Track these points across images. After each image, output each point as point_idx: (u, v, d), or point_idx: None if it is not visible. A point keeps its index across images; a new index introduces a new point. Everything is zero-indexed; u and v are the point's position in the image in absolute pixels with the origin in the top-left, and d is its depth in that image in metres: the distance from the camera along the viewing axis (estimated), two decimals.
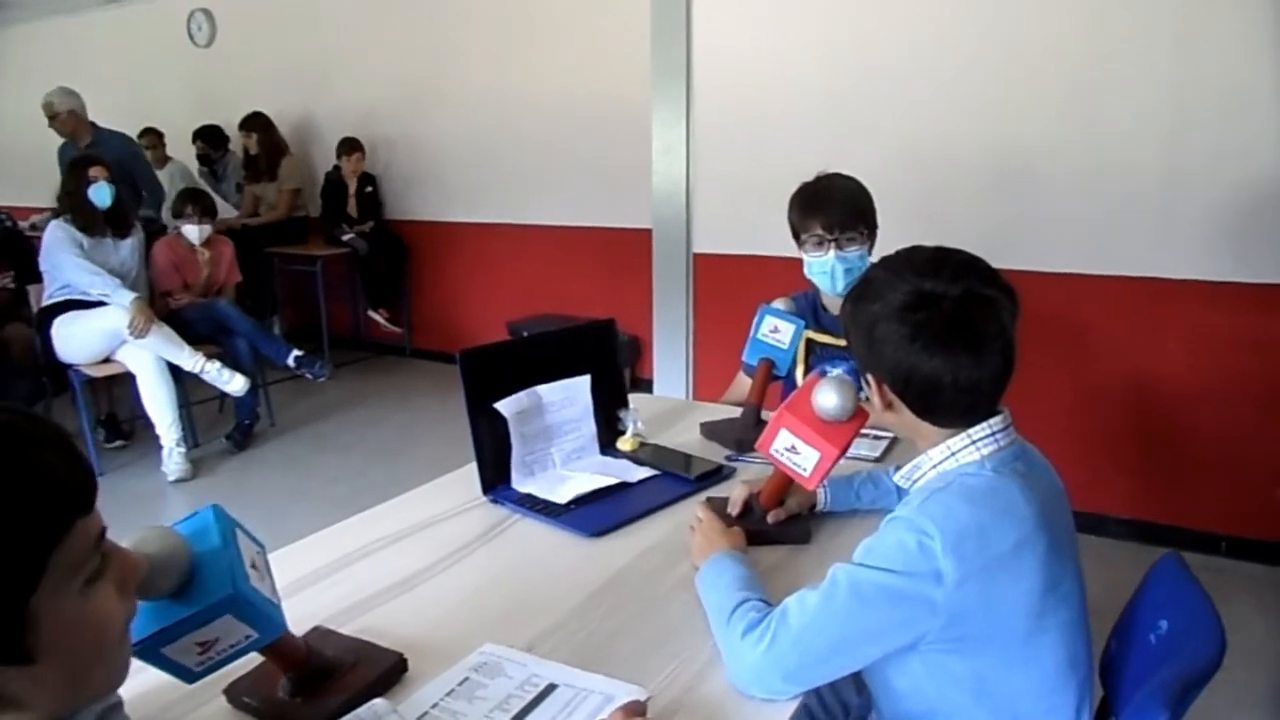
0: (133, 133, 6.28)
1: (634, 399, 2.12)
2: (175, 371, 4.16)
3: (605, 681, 1.07)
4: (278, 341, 4.64)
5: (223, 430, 4.60)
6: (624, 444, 1.84)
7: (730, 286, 3.85)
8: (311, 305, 5.94)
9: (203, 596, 0.84)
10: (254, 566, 0.91)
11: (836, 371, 1.38)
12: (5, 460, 0.62)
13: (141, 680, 1.00)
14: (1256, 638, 2.71)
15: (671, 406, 2.26)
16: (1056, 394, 3.44)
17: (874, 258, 2.09)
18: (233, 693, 1.05)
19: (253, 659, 1.02)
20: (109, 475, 4.21)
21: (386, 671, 1.08)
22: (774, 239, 2.37)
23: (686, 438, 1.97)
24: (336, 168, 5.74)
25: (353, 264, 5.86)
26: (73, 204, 4.07)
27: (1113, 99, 3.13)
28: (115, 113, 6.54)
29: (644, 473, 1.74)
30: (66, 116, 5.12)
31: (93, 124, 5.22)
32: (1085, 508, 3.42)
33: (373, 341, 6.16)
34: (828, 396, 1.28)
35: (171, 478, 4.11)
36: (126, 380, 4.24)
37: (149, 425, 4.18)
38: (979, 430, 1.13)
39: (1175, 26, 2.99)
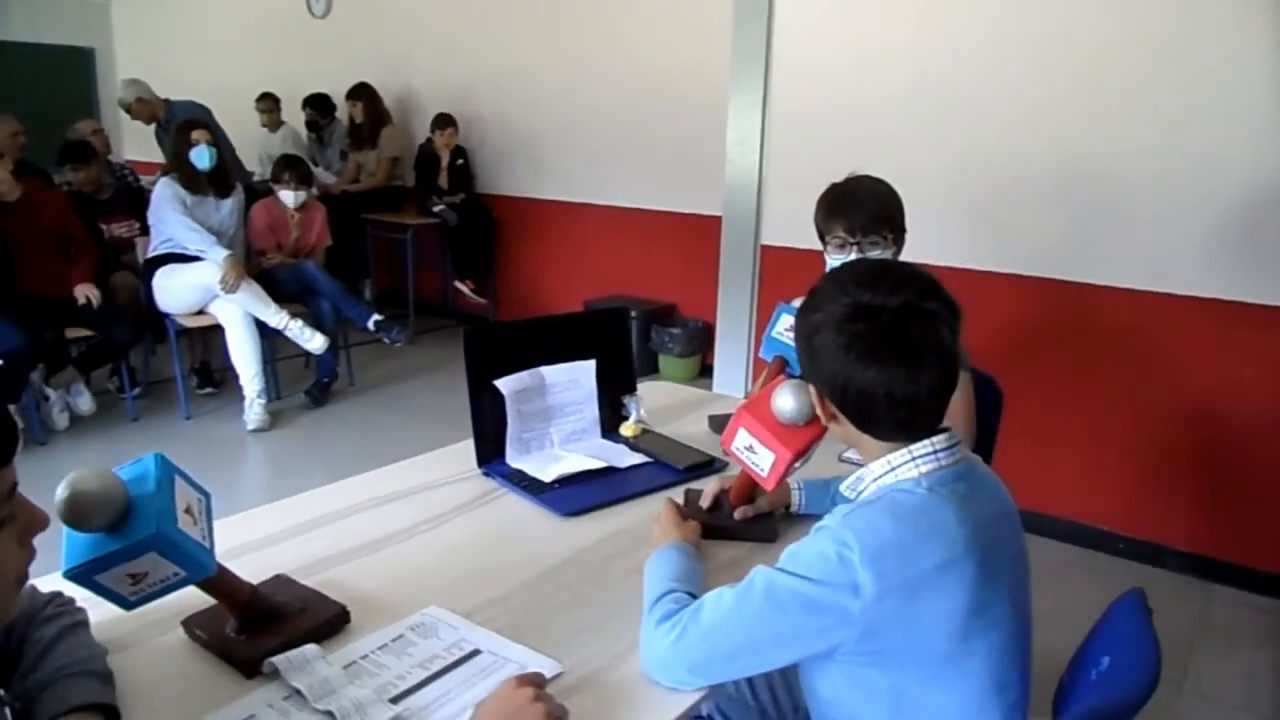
0: (252, 96, 6.64)
1: (655, 386, 2.17)
2: (262, 327, 4.39)
3: (526, 653, 1.13)
4: (360, 305, 4.84)
5: (303, 386, 4.84)
6: (626, 429, 1.89)
7: (795, 280, 3.82)
8: (401, 272, 6.16)
9: (131, 534, 0.94)
10: (188, 511, 1.00)
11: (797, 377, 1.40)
12: None
13: (108, 606, 1.11)
14: None
15: (689, 397, 2.30)
16: (1116, 413, 3.34)
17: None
18: (188, 625, 1.16)
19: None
20: (195, 419, 4.49)
21: (328, 621, 1.17)
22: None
23: (695, 429, 2.00)
24: (430, 140, 5.92)
25: (442, 234, 6.04)
26: (177, 165, 4.34)
27: (1200, 110, 2.99)
28: (237, 77, 6.92)
29: (635, 459, 1.79)
30: (138, 105, 5.50)
31: (166, 100, 5.54)
32: (1140, 534, 3.34)
33: (458, 311, 6.34)
34: (785, 400, 1.30)
35: (250, 427, 4.35)
36: (219, 332, 4.50)
37: (237, 376, 4.43)
38: (921, 448, 1.14)
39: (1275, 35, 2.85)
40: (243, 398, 4.40)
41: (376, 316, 4.69)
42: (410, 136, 6.39)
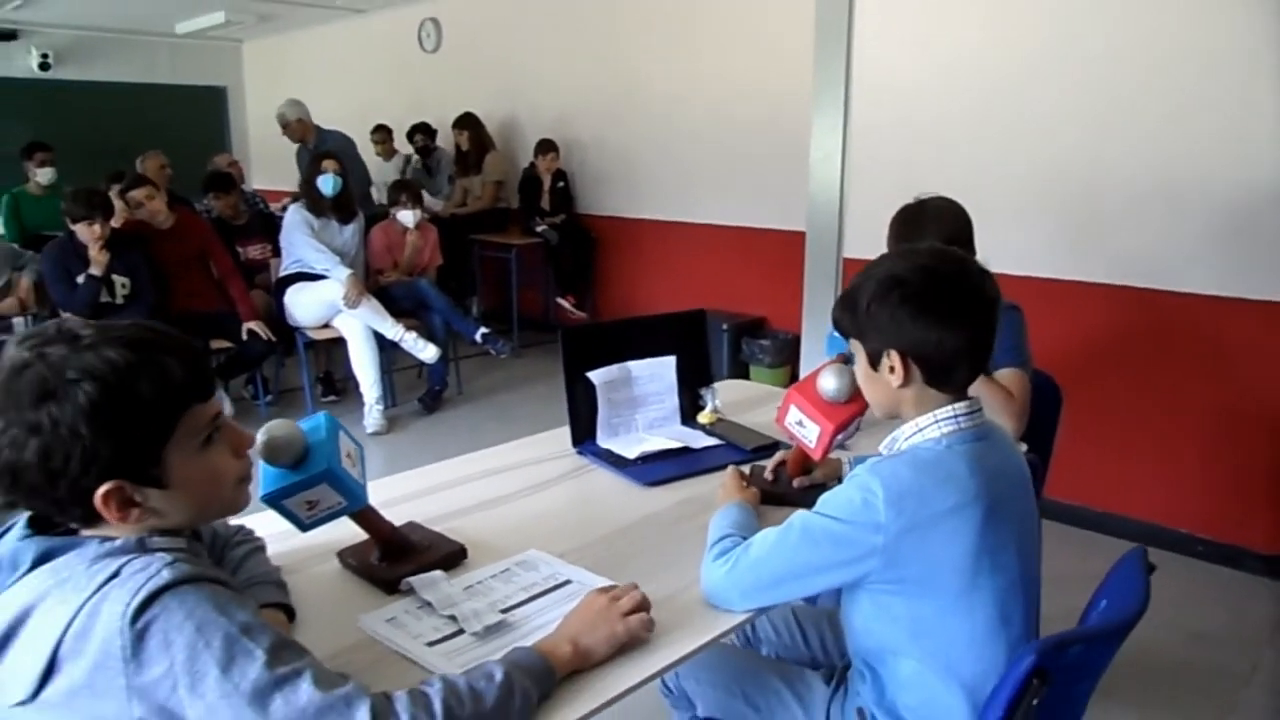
0: (367, 129, 7.15)
1: (733, 384, 2.41)
2: (380, 340, 4.79)
3: (608, 583, 1.37)
4: (469, 319, 5.22)
5: (417, 394, 5.23)
6: (702, 417, 2.13)
7: None
8: (506, 289, 6.54)
9: (309, 469, 1.24)
10: (349, 456, 1.30)
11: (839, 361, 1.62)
12: (141, 364, 1.00)
13: (278, 541, 1.41)
14: None
15: (762, 393, 2.53)
16: (1196, 418, 3.39)
17: None
18: (341, 555, 1.45)
19: (360, 533, 1.42)
20: None
21: (450, 555, 1.45)
22: None
23: (764, 419, 2.22)
24: (533, 165, 6.29)
25: (544, 253, 6.40)
26: (307, 191, 4.79)
27: (1274, 117, 3.06)
28: (351, 110, 7.45)
29: (709, 441, 2.03)
30: (295, 124, 5.98)
31: (316, 126, 6.02)
32: (1220, 538, 3.38)
33: (559, 325, 6.67)
34: (828, 381, 1.53)
35: (370, 430, 4.74)
36: (342, 345, 4.92)
37: (357, 386, 4.84)
38: (944, 412, 1.34)
39: None
40: (363, 404, 4.80)
41: (483, 330, 5.04)
42: (514, 161, 6.79)
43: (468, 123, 6.65)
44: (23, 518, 1.04)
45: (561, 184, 6.34)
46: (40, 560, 0.99)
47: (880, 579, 1.29)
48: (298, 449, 1.24)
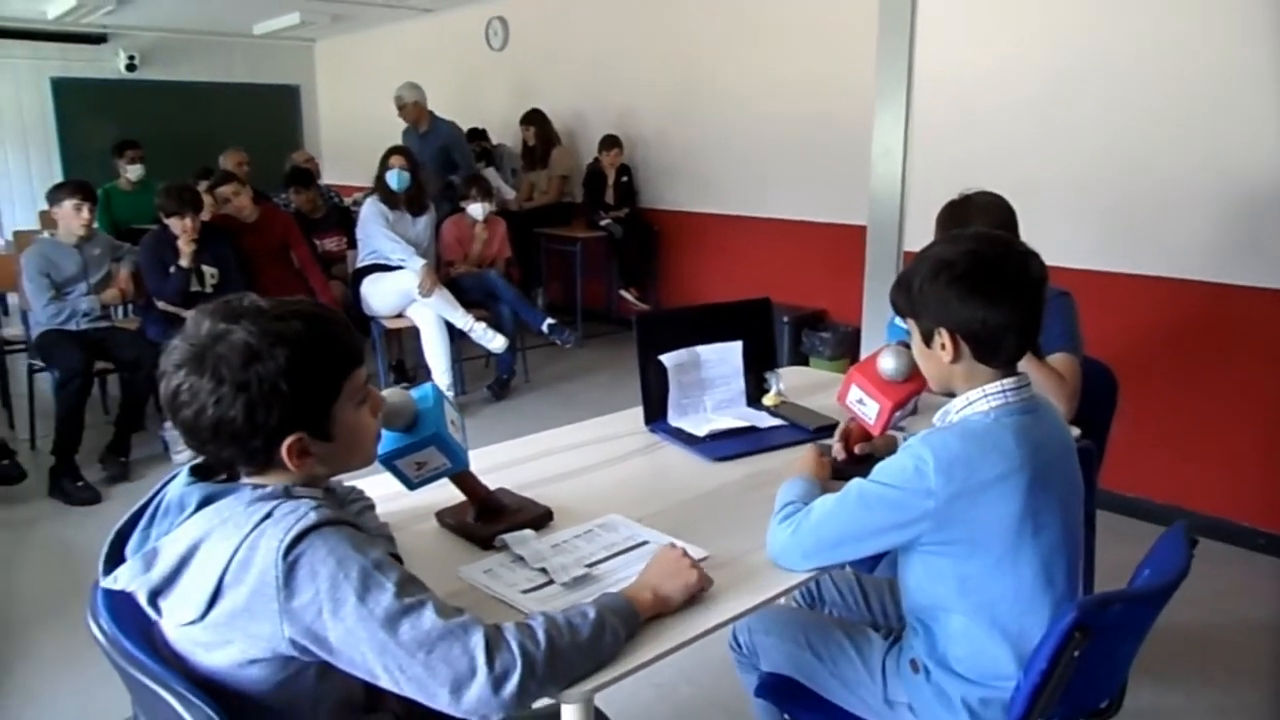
0: None
1: (797, 370, 2.53)
2: (450, 329, 4.99)
3: (682, 544, 1.51)
4: (535, 310, 5.39)
5: (485, 382, 5.42)
6: (767, 400, 2.25)
7: None
8: (571, 281, 6.71)
9: (420, 433, 1.39)
10: (453, 424, 1.45)
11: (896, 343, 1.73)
12: (325, 333, 1.17)
13: (383, 504, 1.57)
14: None
15: (824, 379, 2.64)
16: (1258, 411, 3.41)
17: None
18: (440, 515, 1.61)
19: (455, 497, 1.57)
20: None
21: (538, 517, 1.60)
22: None
23: (826, 403, 2.33)
24: (597, 160, 6.45)
25: (608, 246, 6.56)
26: (379, 185, 5.01)
27: None
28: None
29: (773, 422, 2.16)
30: (411, 106, 6.18)
31: (430, 113, 6.20)
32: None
33: (621, 317, 6.82)
34: (887, 360, 1.65)
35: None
36: (413, 335, 5.12)
37: (428, 373, 5.04)
38: (993, 387, 1.44)
39: None
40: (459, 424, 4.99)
41: (550, 320, 5.21)
42: (579, 157, 6.95)
43: (534, 119, 6.82)
44: (185, 467, 1.21)
45: (625, 179, 6.49)
46: (204, 503, 1.15)
47: (930, 541, 1.41)
48: (410, 415, 1.40)
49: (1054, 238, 3.76)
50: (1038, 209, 3.76)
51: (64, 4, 7.73)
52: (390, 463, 1.41)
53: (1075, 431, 2.17)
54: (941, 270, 1.43)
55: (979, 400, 1.45)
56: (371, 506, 1.53)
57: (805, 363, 5.42)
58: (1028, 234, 3.58)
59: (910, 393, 1.65)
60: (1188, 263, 3.49)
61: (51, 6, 7.96)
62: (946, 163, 4.00)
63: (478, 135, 7.22)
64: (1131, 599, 1.37)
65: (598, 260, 6.68)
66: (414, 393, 1.44)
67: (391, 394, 1.38)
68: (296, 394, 1.13)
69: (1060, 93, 3.70)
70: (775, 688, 1.72)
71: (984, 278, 1.41)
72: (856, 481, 1.46)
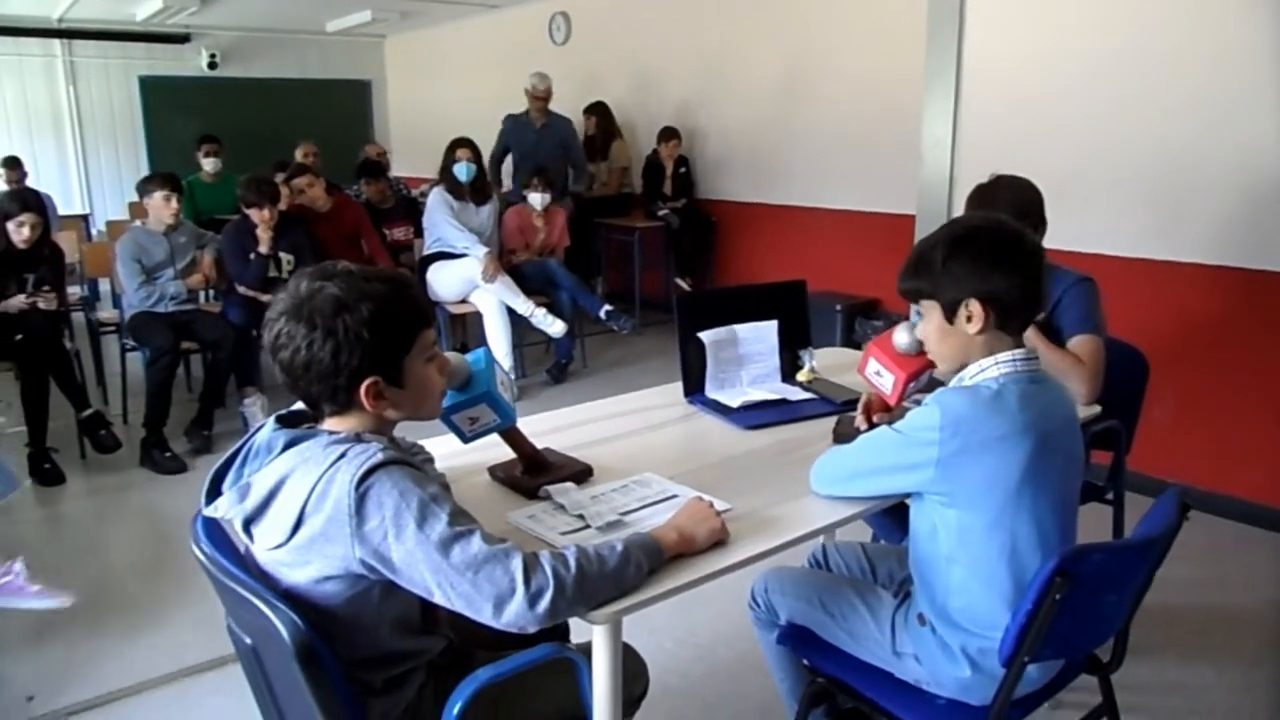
0: (499, 118, 7.59)
1: (832, 351, 2.67)
2: (511, 315, 5.20)
3: (709, 498, 1.67)
4: (594, 297, 5.58)
5: (545, 366, 5.63)
6: (800, 376, 2.40)
7: None
8: (629, 270, 6.88)
9: (473, 390, 1.58)
10: (502, 384, 1.63)
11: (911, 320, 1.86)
12: (401, 294, 1.37)
13: (442, 462, 1.76)
14: None
15: (856, 358, 2.74)
16: None
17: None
18: (492, 471, 1.80)
19: (506, 455, 1.75)
20: None
21: (579, 472, 1.78)
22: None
23: (856, 380, 2.46)
24: (655, 151, 6.60)
25: (665, 236, 6.71)
26: (446, 176, 5.24)
27: None
28: (487, 100, 7.91)
29: (805, 395, 2.30)
30: (546, 95, 6.32)
31: (549, 110, 6.40)
32: None
33: None
34: (902, 336, 1.79)
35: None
36: (477, 320, 5.35)
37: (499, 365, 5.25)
38: (1004, 357, 1.57)
39: None
40: (508, 383, 5.21)
41: (607, 307, 5.40)
42: (638, 148, 7.12)
43: (597, 110, 7.01)
44: (272, 417, 1.41)
45: (683, 170, 6.64)
46: (288, 446, 1.35)
47: (936, 489, 1.55)
48: (465, 374, 1.58)
49: (1096, 224, 3.85)
50: (1085, 196, 3.86)
51: (151, 6, 8.15)
52: (448, 418, 1.60)
53: (1096, 409, 2.28)
54: (964, 246, 1.57)
55: (991, 367, 1.58)
56: (431, 460, 1.72)
57: (858, 350, 5.51)
58: (1070, 219, 3.73)
59: (923, 365, 1.78)
60: (1234, 250, 3.52)
61: (140, 8, 8.39)
62: (995, 152, 4.06)
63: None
64: (1111, 550, 1.49)
65: (655, 250, 6.84)
66: (469, 356, 1.63)
67: (450, 356, 1.56)
68: (375, 342, 1.32)
69: (1100, 81, 3.76)
70: (794, 636, 1.87)
71: (1003, 249, 1.56)
72: (876, 430, 1.64)
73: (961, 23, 4.16)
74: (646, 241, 6.76)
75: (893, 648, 1.73)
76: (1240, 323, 3.55)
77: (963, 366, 1.62)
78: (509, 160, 6.57)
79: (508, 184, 6.59)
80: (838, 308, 5.45)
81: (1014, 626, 1.46)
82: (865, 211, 5.57)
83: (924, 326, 1.66)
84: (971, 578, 1.58)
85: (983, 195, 2.43)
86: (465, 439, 1.66)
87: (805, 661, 1.90)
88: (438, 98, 9.83)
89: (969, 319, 1.57)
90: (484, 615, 1.26)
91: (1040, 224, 2.43)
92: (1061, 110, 3.90)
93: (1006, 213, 2.31)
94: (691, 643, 2.75)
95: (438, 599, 1.28)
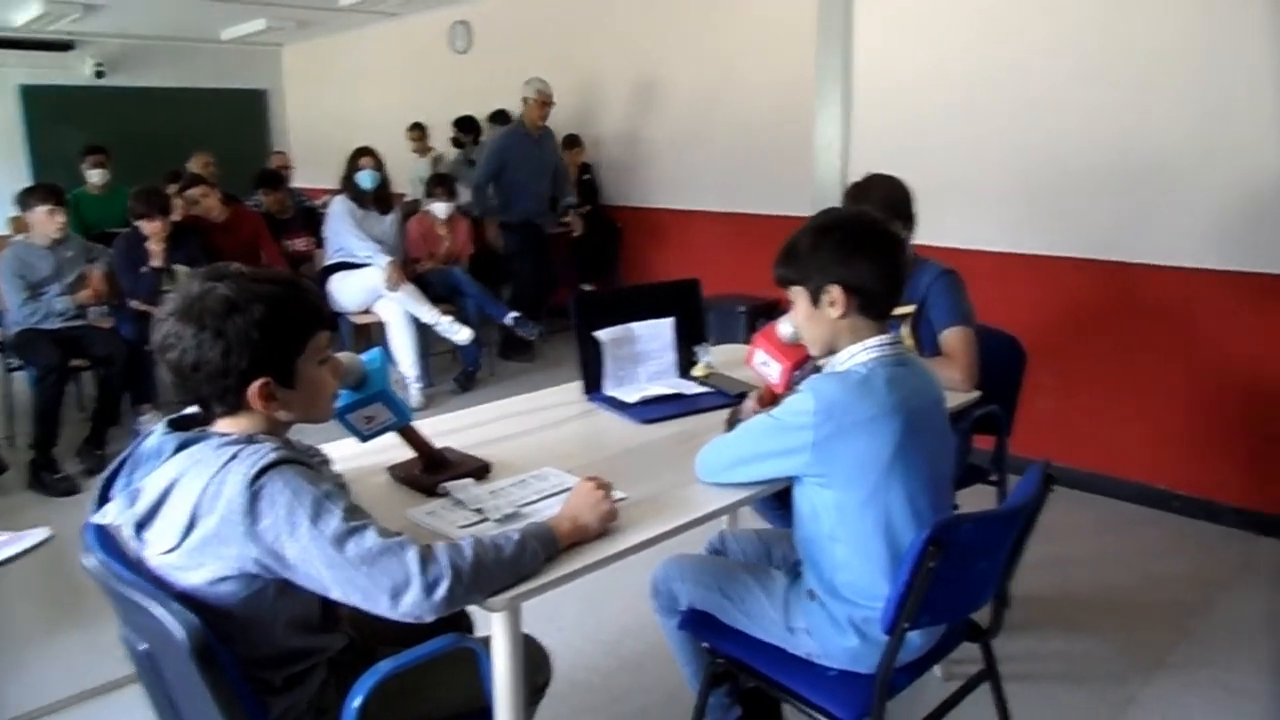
0: (401, 127, 7.53)
1: (729, 348, 2.75)
2: (418, 324, 5.17)
3: (598, 478, 1.70)
4: (499, 304, 5.58)
5: (452, 375, 5.61)
6: (696, 371, 2.48)
7: None
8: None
9: (369, 389, 1.60)
10: (397, 383, 1.67)
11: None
12: (294, 296, 1.38)
13: (342, 464, 1.77)
14: None
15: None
16: (1171, 382, 3.67)
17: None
18: (392, 470, 1.82)
19: (407, 455, 1.77)
20: None
21: (478, 469, 1.82)
22: (921, 230, 2.76)
23: (751, 374, 2.55)
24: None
25: (571, 243, 6.74)
26: (348, 185, 5.19)
27: (1233, 100, 3.34)
28: (389, 110, 7.86)
29: (700, 389, 2.38)
30: (533, 105, 5.99)
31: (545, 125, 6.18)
32: (1198, 493, 3.65)
33: None
34: (786, 326, 1.88)
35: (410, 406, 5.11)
36: (382, 331, 5.30)
37: (397, 365, 5.22)
38: (873, 342, 1.68)
39: None
40: (405, 382, 5.19)
41: (513, 314, 5.41)
42: None
43: (499, 119, 7.01)
44: (163, 421, 1.41)
45: (587, 176, 6.69)
46: (179, 449, 1.35)
47: (813, 472, 1.64)
48: (360, 374, 1.60)
49: (978, 220, 4.04)
50: (974, 197, 4.06)
51: (31, 11, 7.83)
52: (344, 417, 1.61)
53: (975, 395, 2.41)
54: (827, 235, 1.68)
55: (860, 353, 1.68)
56: (327, 462, 1.73)
57: None
58: (954, 216, 3.90)
59: (807, 354, 1.87)
60: (1107, 245, 3.74)
61: (18, 14, 8.05)
62: (882, 154, 4.20)
63: (462, 125, 7.31)
64: (979, 520, 1.60)
65: (561, 256, 6.86)
66: (363, 356, 1.65)
67: (344, 356, 1.58)
68: (266, 344, 1.33)
69: (988, 91, 3.96)
70: (695, 621, 1.94)
71: (863, 239, 1.67)
72: (758, 416, 1.71)
73: (849, 28, 4.32)
74: (552, 248, 6.78)
75: (787, 624, 1.81)
76: (1110, 312, 3.78)
77: (832, 351, 1.71)
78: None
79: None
80: (741, 309, 5.57)
81: (893, 595, 1.55)
82: (766, 214, 5.69)
83: (794, 312, 1.76)
84: (852, 553, 1.67)
85: (857, 192, 2.57)
86: (363, 437, 1.67)
87: (706, 645, 1.96)
88: (338, 107, 9.68)
89: (831, 304, 1.67)
90: (381, 607, 1.29)
91: (909, 220, 2.56)
92: (947, 113, 4.09)
93: (877, 208, 2.46)
94: (599, 638, 2.79)
95: (335, 595, 1.30)
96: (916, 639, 1.70)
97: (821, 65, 4.47)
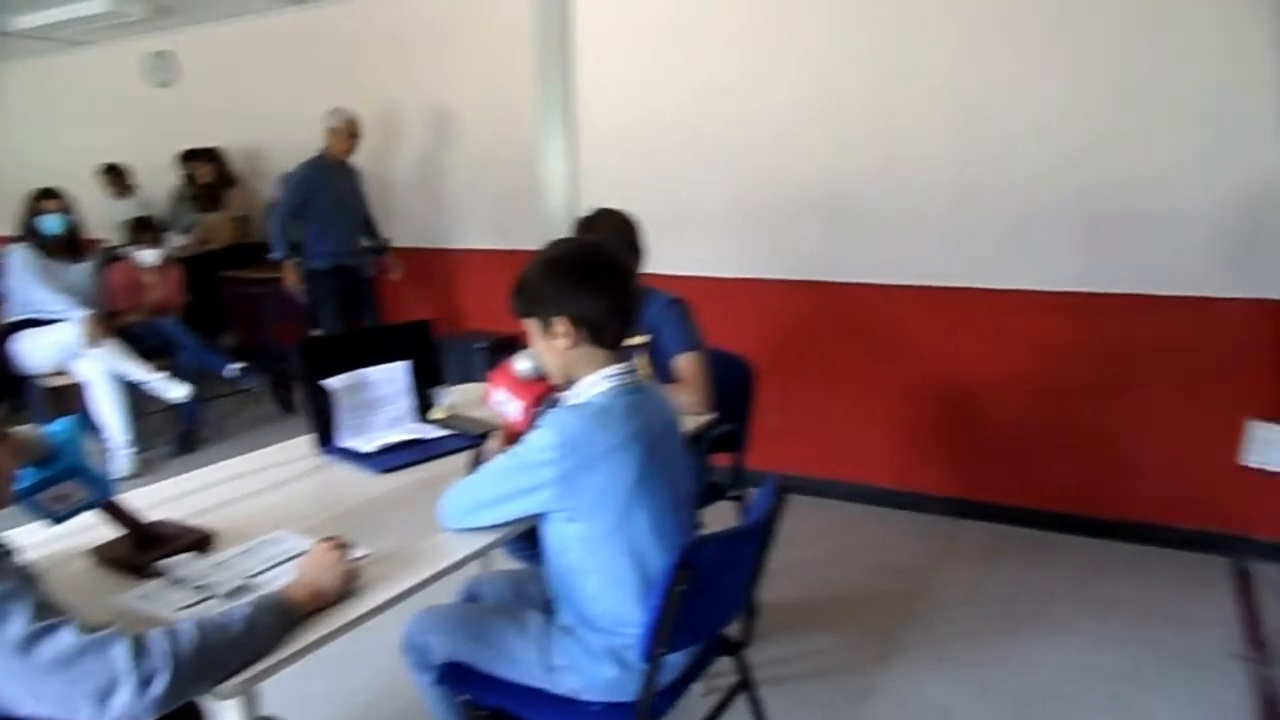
0: (92, 169, 6.85)
1: (463, 387, 2.70)
2: (125, 383, 4.69)
3: (337, 538, 1.60)
4: (218, 355, 5.18)
5: (170, 436, 5.13)
6: (436, 414, 2.40)
7: None
8: (260, 324, 6.47)
9: (57, 465, 1.41)
10: (94, 454, 1.47)
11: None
12: None
13: (34, 550, 1.55)
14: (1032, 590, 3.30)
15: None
16: (879, 388, 4.02)
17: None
18: (97, 551, 1.61)
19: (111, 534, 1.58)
20: None
21: (198, 540, 1.66)
22: (652, 259, 2.83)
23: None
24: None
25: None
26: (29, 232, 4.63)
27: (911, 138, 3.73)
28: (83, 150, 7.12)
29: (440, 432, 2.31)
30: (338, 136, 5.38)
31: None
32: (909, 487, 4.00)
33: None
34: (523, 363, 1.86)
35: (119, 475, 4.62)
36: (81, 392, 4.76)
37: (104, 430, 4.70)
38: (610, 371, 1.69)
39: (952, 55, 3.61)
40: (113, 449, 4.67)
41: (233, 365, 5.04)
42: (260, 195, 6.73)
43: (208, 156, 6.55)
44: None
45: None
46: None
47: (559, 506, 1.63)
48: (43, 449, 1.41)
49: (704, 249, 4.25)
50: (690, 223, 4.25)
51: None
52: (30, 499, 1.41)
53: (712, 417, 2.51)
54: (554, 267, 1.69)
55: (598, 383, 1.69)
56: (9, 553, 1.50)
57: None
58: (680, 245, 4.07)
59: (547, 389, 1.86)
60: (818, 266, 4.04)
61: None
62: (610, 186, 4.34)
63: (190, 157, 6.72)
64: (723, 538, 1.65)
65: (290, 301, 6.49)
66: (51, 427, 1.45)
67: (20, 431, 1.39)
68: None
69: (708, 127, 4.17)
70: (452, 674, 1.86)
71: (589, 270, 1.68)
72: (499, 456, 1.67)
73: (568, 63, 4.41)
74: (277, 293, 6.39)
75: (546, 663, 1.78)
76: (826, 328, 4.09)
77: (571, 383, 1.72)
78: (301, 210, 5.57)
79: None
80: (482, 345, 5.51)
81: (648, 622, 1.56)
82: (503, 249, 5.68)
83: (532, 345, 1.75)
84: (604, 583, 1.68)
85: (585, 225, 2.62)
86: (55, 519, 1.47)
87: (466, 697, 1.89)
88: (21, 147, 8.65)
89: (561, 335, 1.67)
90: (83, 714, 1.13)
91: (637, 251, 2.64)
92: (671, 146, 4.26)
93: (606, 240, 2.52)
94: (354, 703, 2.63)
95: (26, 709, 1.12)
96: (675, 660, 1.72)
97: (543, 102, 4.53)
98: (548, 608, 1.88)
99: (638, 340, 2.58)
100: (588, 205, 4.39)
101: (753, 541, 1.72)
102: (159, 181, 6.98)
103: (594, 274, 1.68)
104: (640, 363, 2.57)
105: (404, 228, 6.22)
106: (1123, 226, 3.44)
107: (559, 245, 1.75)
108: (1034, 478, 3.80)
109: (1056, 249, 3.57)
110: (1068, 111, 3.44)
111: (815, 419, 4.17)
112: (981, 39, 3.56)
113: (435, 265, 6.12)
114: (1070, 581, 3.33)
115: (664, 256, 3.18)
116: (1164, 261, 3.40)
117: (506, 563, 2.50)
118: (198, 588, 1.48)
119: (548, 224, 4.59)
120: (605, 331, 1.68)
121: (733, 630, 1.94)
